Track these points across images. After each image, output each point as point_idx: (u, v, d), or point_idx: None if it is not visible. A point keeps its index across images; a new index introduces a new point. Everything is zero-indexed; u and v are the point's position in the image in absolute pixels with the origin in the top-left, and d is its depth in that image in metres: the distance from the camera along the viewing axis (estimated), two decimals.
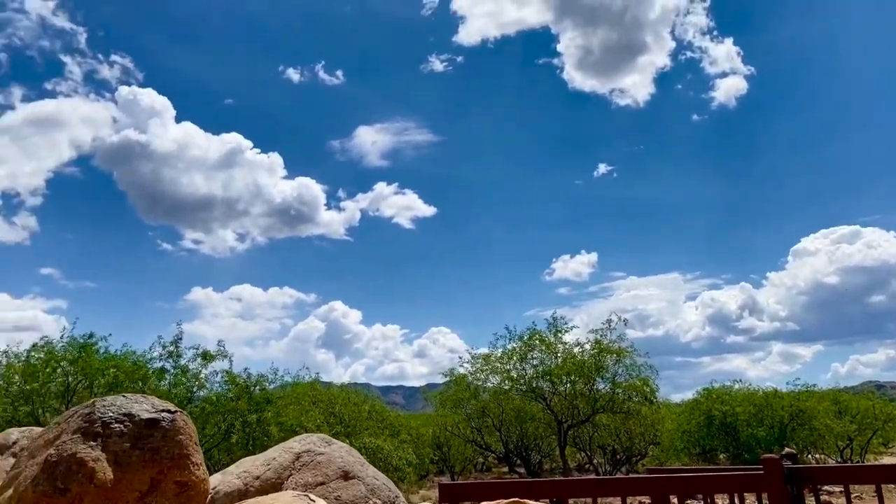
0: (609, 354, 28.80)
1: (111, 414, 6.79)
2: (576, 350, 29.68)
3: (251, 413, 29.59)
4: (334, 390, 33.74)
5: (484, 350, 31.60)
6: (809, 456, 32.31)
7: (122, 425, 6.79)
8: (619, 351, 28.81)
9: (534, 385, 29.72)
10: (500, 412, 31.24)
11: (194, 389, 29.69)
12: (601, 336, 29.35)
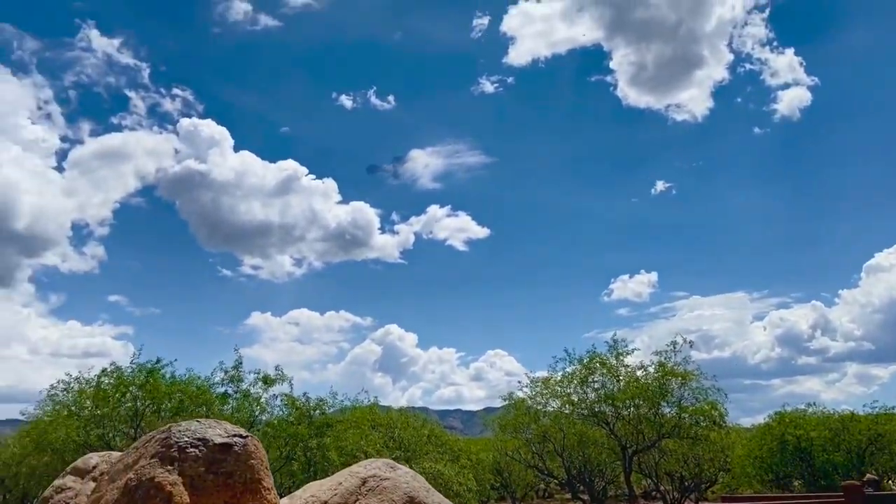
0: (674, 377, 28.04)
1: (186, 439, 6.84)
2: (639, 373, 29.05)
3: (311, 438, 29.85)
4: (393, 414, 33.73)
5: (543, 373, 31.23)
6: (891, 482, 30.68)
7: (197, 450, 6.84)
8: (685, 374, 28.02)
9: (596, 409, 29.12)
10: (562, 437, 30.64)
11: (256, 413, 30.14)
12: (665, 358, 28.68)
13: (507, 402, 32.58)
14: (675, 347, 28.60)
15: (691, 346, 28.84)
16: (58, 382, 27.96)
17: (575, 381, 29.45)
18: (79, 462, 7.60)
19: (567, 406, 29.74)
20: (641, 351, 30.91)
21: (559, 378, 30.12)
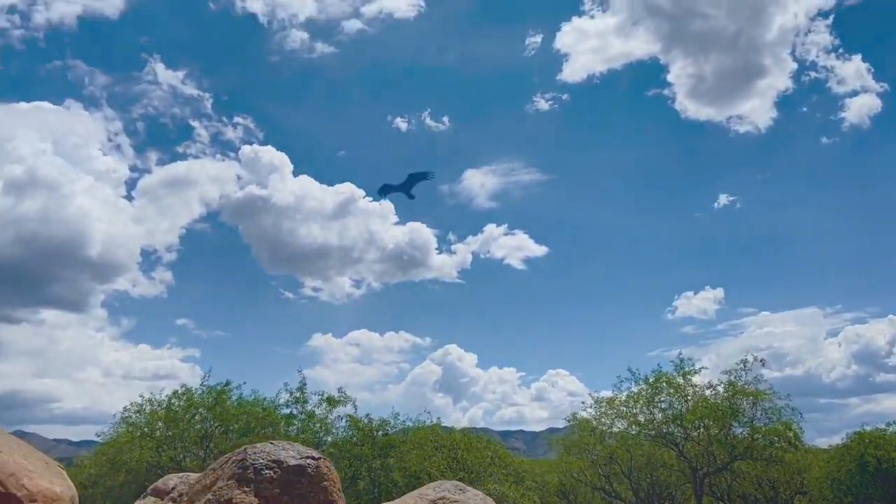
0: (745, 397, 27.16)
1: (262, 460, 6.93)
2: (707, 392, 28.28)
3: (375, 459, 29.96)
4: (455, 435, 33.49)
5: (607, 393, 30.68)
6: None
7: (272, 472, 6.91)
8: (756, 393, 27.11)
9: (664, 430, 28.39)
10: (629, 458, 29.90)
11: (321, 434, 30.45)
12: (735, 377, 27.87)
13: (571, 423, 32.04)
14: (745, 366, 27.80)
15: (763, 365, 27.98)
16: (131, 404, 28.86)
17: (641, 402, 28.82)
18: (158, 483, 7.77)
19: (633, 427, 29.07)
20: (709, 370, 29.98)
21: (624, 398, 29.53)
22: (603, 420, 30.15)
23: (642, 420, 28.78)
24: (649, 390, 28.84)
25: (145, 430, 28.40)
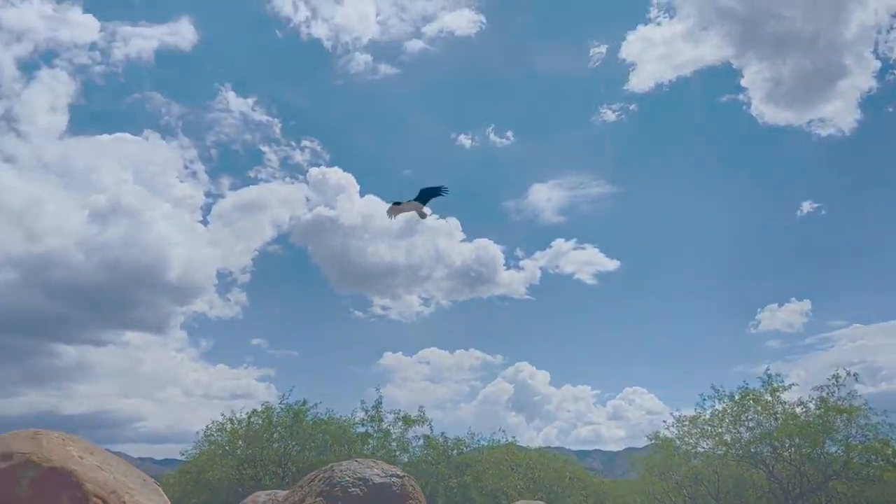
0: (838, 414, 25.78)
1: (348, 478, 6.90)
2: (797, 410, 27.01)
3: (452, 478, 29.77)
4: (531, 454, 33.03)
5: (689, 411, 29.61)
6: None
7: (358, 489, 6.87)
8: (851, 409, 25.69)
9: (752, 449, 27.20)
10: (716, 480, 28.71)
11: (397, 453, 30.49)
12: (827, 393, 26.49)
13: (652, 442, 31.07)
14: (837, 381, 26.42)
15: (856, 380, 26.52)
16: (213, 423, 29.55)
17: (727, 420, 27.74)
18: (248, 500, 7.84)
19: (720, 447, 27.94)
20: (799, 386, 28.54)
21: (708, 416, 28.47)
22: (687, 439, 29.09)
23: (729, 439, 27.65)
24: (735, 408, 27.75)
25: (227, 448, 29.03)
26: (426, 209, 8.61)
